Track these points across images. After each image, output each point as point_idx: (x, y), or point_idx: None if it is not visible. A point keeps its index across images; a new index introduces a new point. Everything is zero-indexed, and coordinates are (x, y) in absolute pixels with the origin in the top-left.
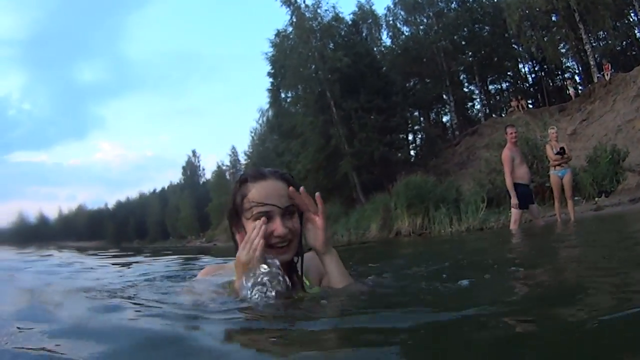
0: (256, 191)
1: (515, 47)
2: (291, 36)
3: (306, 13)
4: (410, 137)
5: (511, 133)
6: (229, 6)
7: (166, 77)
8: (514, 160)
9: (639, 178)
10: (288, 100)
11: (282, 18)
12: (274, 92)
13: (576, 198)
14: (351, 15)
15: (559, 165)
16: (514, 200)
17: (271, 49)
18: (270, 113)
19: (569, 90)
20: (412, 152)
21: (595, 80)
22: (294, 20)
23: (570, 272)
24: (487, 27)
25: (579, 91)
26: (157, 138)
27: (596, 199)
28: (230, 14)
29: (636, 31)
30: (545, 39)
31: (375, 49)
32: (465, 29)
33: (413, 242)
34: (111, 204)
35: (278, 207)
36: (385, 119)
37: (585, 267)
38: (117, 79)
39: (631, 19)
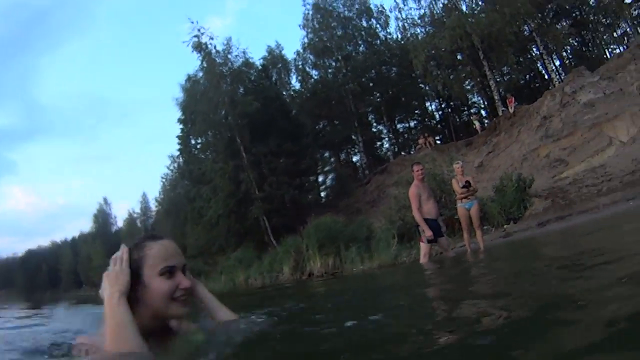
0: (159, 250)
1: (422, 86)
2: (201, 81)
3: (217, 58)
4: (321, 178)
5: (417, 170)
6: (142, 50)
7: (78, 121)
8: (420, 196)
9: (545, 202)
10: (198, 146)
11: (194, 63)
12: (184, 138)
13: (486, 227)
14: (261, 60)
15: (465, 197)
16: (427, 233)
17: (182, 94)
18: (181, 159)
19: (474, 124)
20: (322, 194)
21: (500, 113)
22: (205, 65)
23: (467, 301)
24: (394, 68)
25: (485, 125)
26: (69, 184)
27: (505, 226)
28: (143, 58)
29: (538, 64)
30: (451, 77)
31: (284, 93)
32: (372, 71)
33: (324, 283)
34: (21, 253)
35: (181, 264)
36: (295, 162)
37: (483, 294)
38: (29, 122)
39: (533, 53)
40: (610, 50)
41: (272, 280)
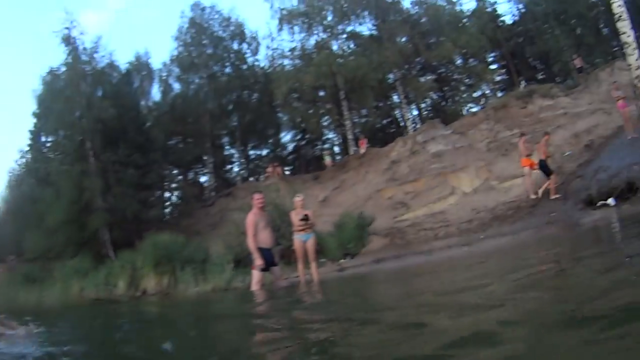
0: None
1: (280, 116)
2: (62, 77)
3: (82, 55)
4: (167, 194)
5: (257, 199)
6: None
7: None
8: (257, 224)
9: (383, 241)
10: (48, 144)
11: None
12: (36, 133)
13: (322, 260)
14: (127, 65)
15: (302, 230)
16: (257, 262)
17: (41, 87)
18: (29, 155)
19: (325, 159)
20: (166, 211)
21: (351, 152)
22: (69, 60)
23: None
24: (255, 95)
25: (335, 161)
26: None
27: (341, 260)
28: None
29: (397, 111)
30: (310, 111)
31: (143, 102)
32: (234, 94)
33: (155, 302)
34: None
35: None
36: (142, 175)
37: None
38: None
39: (394, 101)
40: (467, 108)
41: (107, 294)
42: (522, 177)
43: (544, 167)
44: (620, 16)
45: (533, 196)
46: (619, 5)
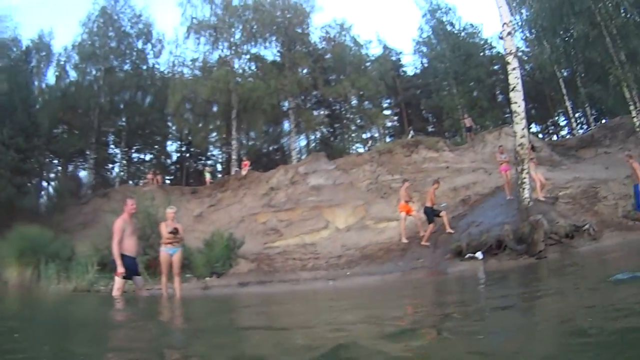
0: None
1: (169, 124)
2: None
3: None
4: (44, 184)
5: (130, 205)
6: None
7: None
8: (124, 230)
9: (251, 265)
10: None
11: None
12: None
13: (188, 275)
14: (28, 41)
15: (170, 243)
16: (119, 270)
17: None
18: None
19: (205, 175)
20: (40, 201)
21: (233, 172)
22: None
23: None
24: (149, 97)
25: (216, 179)
26: None
27: (206, 278)
28: None
29: (285, 140)
30: (199, 125)
31: (36, 83)
32: (128, 93)
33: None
34: None
35: None
36: (22, 159)
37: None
38: None
39: (283, 129)
40: (354, 147)
41: None
42: (397, 221)
43: (429, 213)
44: (514, 87)
45: (405, 240)
46: (516, 77)
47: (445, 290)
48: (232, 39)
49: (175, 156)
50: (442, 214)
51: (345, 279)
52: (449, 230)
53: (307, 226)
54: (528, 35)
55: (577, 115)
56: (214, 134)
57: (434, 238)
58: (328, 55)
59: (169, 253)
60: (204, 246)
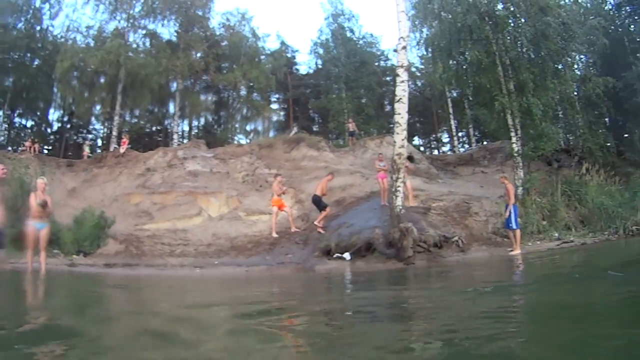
0: None
1: (55, 91)
2: None
3: None
4: None
5: (1, 169)
6: None
7: None
8: None
9: (119, 246)
10: None
11: None
12: None
13: (55, 251)
14: None
15: (39, 217)
16: None
17: None
18: None
19: (85, 149)
20: None
21: (112, 149)
22: None
23: None
24: (37, 60)
25: (93, 154)
26: None
27: (73, 256)
28: None
29: (168, 121)
30: (85, 95)
31: None
32: (17, 53)
33: None
34: None
35: None
36: None
37: None
38: None
39: (168, 111)
40: (236, 138)
41: None
42: (269, 215)
43: (317, 202)
44: (400, 99)
45: (275, 235)
46: (403, 90)
47: (291, 284)
48: (130, 11)
49: (56, 126)
50: (327, 209)
51: (213, 268)
52: (319, 229)
53: (180, 211)
54: (424, 53)
55: (460, 134)
56: (98, 106)
57: (304, 235)
58: (224, 43)
59: (36, 227)
60: (73, 223)
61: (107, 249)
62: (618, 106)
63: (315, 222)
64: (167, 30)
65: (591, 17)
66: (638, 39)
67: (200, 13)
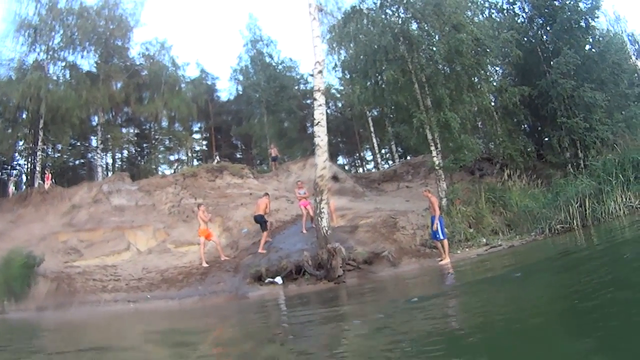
0: None
1: None
2: None
3: None
4: None
5: None
6: None
7: None
8: None
9: (50, 285)
10: None
11: None
12: None
13: None
14: None
15: None
16: None
17: None
18: None
19: (10, 187)
20: None
21: (36, 185)
22: None
23: None
24: None
25: (19, 191)
26: None
27: (4, 302)
28: None
29: (90, 155)
30: (8, 131)
31: None
32: None
33: None
34: None
35: None
36: None
37: None
38: None
39: (91, 144)
40: (160, 169)
41: None
42: (198, 245)
43: (261, 221)
44: (319, 122)
45: (205, 265)
46: (321, 113)
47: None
48: (50, 43)
49: None
50: (265, 234)
51: (146, 302)
52: (261, 250)
53: (109, 247)
54: (342, 75)
55: (383, 151)
56: (22, 142)
57: (234, 263)
58: (144, 72)
59: None
60: (2, 265)
61: (39, 289)
62: (535, 113)
63: (259, 249)
64: (87, 62)
65: (504, 31)
66: (551, 48)
67: (119, 43)
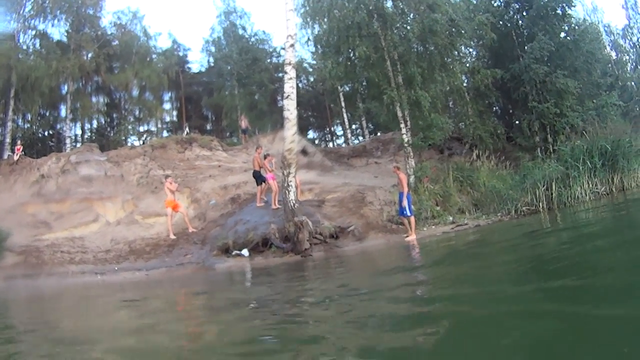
0: None
1: None
2: None
3: None
4: None
5: None
6: None
7: None
8: None
9: (18, 258)
10: None
11: None
12: None
13: None
14: None
15: None
16: None
17: None
18: None
19: None
20: None
21: (6, 156)
22: None
23: None
24: None
25: None
26: None
27: None
28: None
29: (59, 125)
30: None
31: None
32: None
33: None
34: None
35: None
36: None
37: None
38: None
39: (60, 114)
40: (130, 140)
41: None
42: (165, 217)
43: (257, 177)
44: (288, 95)
45: (172, 236)
46: (291, 87)
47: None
48: (21, 12)
49: None
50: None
51: (113, 273)
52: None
53: (77, 218)
54: (315, 49)
55: (353, 127)
56: None
57: (202, 235)
58: (115, 42)
59: None
60: None
61: (6, 262)
62: (507, 96)
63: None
64: (58, 31)
65: (480, 13)
66: (526, 33)
67: (91, 12)
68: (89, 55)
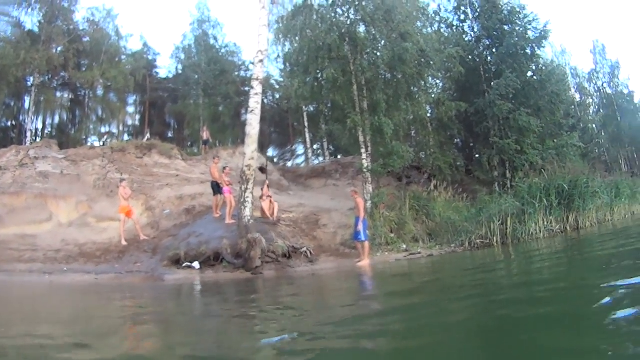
0: None
1: None
2: None
3: None
4: None
5: None
6: None
7: None
8: None
9: None
10: None
11: None
12: None
13: None
14: None
15: None
16: None
17: None
18: None
19: None
20: None
21: None
22: None
23: None
24: None
25: None
26: None
27: None
28: None
29: (22, 117)
30: None
31: None
32: None
33: None
34: None
35: None
36: None
37: None
38: None
39: (24, 106)
40: (91, 140)
41: None
42: (119, 222)
43: (212, 186)
44: (252, 110)
45: (124, 243)
46: (256, 102)
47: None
48: None
49: None
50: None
51: (62, 274)
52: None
53: (30, 215)
54: (284, 67)
55: (315, 147)
56: None
57: (153, 244)
58: (86, 39)
59: None
60: None
61: None
62: (469, 129)
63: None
64: (30, 20)
65: (450, 46)
66: (494, 69)
67: (65, 5)
68: (59, 49)
